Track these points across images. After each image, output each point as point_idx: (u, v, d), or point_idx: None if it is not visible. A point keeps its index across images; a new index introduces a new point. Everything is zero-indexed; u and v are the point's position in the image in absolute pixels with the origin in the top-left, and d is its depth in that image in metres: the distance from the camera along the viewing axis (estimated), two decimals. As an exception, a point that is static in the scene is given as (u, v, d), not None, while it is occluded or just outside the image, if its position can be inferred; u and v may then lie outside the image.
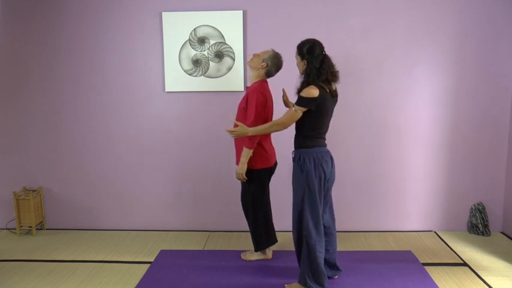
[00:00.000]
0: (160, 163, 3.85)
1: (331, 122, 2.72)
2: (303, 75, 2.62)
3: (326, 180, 2.64)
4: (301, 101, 2.55)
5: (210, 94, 3.72)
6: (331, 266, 2.86)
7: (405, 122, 3.71)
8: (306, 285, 2.67)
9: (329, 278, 2.82)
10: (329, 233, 2.79)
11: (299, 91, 2.60)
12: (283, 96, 3.04)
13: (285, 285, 2.83)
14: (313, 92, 2.52)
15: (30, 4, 3.70)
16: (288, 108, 2.75)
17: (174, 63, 3.68)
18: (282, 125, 2.65)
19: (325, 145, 2.70)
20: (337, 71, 2.64)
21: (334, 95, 2.67)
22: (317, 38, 2.67)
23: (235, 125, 2.78)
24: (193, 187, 3.86)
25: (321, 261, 2.64)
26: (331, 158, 2.70)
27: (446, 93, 3.67)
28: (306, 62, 2.59)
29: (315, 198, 2.59)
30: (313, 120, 2.60)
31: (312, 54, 2.57)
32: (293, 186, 2.69)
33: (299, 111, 2.56)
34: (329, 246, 2.79)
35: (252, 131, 2.73)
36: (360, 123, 3.72)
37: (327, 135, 2.72)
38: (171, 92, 3.74)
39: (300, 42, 2.66)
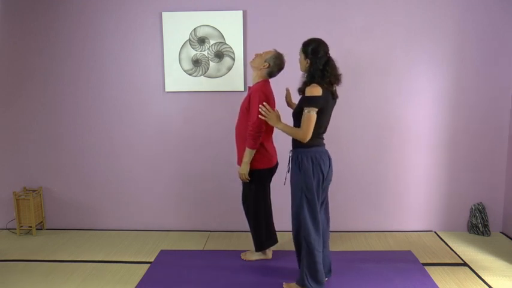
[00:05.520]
0: (160, 163, 3.85)
1: (331, 121, 2.72)
2: (306, 75, 2.60)
3: (324, 180, 2.64)
4: (310, 101, 2.50)
5: (210, 94, 3.72)
6: (323, 268, 2.80)
7: (405, 122, 3.70)
8: (303, 285, 2.66)
9: None
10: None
11: (301, 91, 2.59)
12: (286, 96, 3.04)
13: (284, 283, 2.83)
14: (317, 90, 2.50)
15: (30, 4, 3.70)
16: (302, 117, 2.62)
17: (174, 63, 3.68)
18: (304, 134, 2.53)
19: (323, 145, 2.69)
20: (340, 74, 2.61)
21: (334, 97, 2.65)
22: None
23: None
24: (193, 187, 3.86)
25: (320, 260, 2.64)
26: (329, 157, 2.69)
27: (446, 93, 3.67)
28: (309, 61, 2.57)
29: (313, 197, 2.59)
30: None
31: (316, 55, 2.55)
32: (291, 186, 2.69)
33: (312, 112, 2.51)
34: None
35: (281, 126, 2.66)
36: (360, 123, 3.72)
37: (327, 135, 2.72)
38: (171, 92, 3.74)
39: (306, 40, 2.63)
